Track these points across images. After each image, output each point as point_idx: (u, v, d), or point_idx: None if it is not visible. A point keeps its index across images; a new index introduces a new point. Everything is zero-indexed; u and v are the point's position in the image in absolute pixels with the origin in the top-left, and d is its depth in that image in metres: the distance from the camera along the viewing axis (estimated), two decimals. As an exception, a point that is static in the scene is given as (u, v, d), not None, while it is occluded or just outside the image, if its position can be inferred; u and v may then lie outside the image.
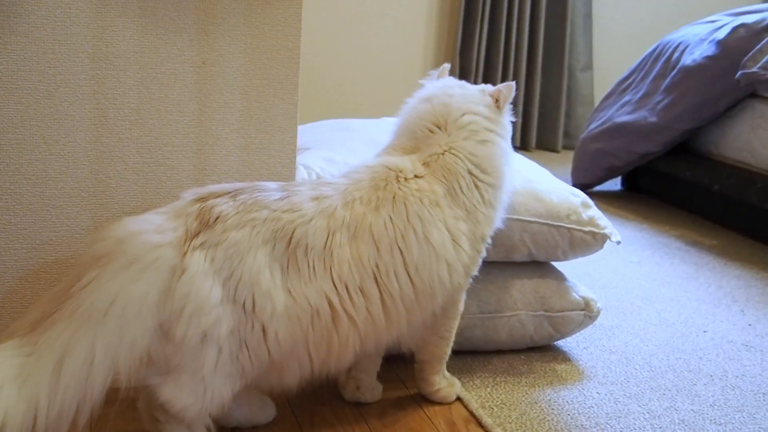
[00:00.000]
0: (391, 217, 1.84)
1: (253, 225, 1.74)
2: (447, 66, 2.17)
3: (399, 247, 1.83)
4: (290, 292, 1.73)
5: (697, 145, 4.21)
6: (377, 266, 1.81)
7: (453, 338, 2.13)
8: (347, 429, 2.00)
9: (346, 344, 1.80)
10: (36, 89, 2.00)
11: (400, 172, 1.91)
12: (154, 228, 1.72)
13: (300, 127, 2.34)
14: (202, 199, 1.78)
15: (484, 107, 2.01)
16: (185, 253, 1.69)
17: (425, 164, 1.94)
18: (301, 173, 2.23)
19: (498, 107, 2.03)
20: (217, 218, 1.74)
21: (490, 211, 1.98)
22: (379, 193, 1.87)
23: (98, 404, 1.62)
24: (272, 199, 1.79)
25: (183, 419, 1.73)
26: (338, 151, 2.40)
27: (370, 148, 2.44)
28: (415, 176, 1.91)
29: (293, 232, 1.76)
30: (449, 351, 2.14)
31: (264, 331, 1.72)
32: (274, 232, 1.75)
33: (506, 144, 2.05)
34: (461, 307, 2.12)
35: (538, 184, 2.41)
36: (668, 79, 4.23)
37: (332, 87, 5.29)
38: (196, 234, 1.72)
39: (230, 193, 1.79)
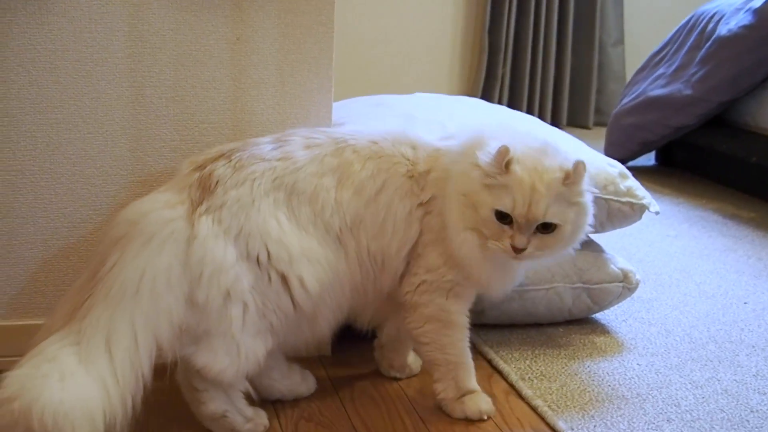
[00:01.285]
0: (375, 172, 1.85)
1: (253, 179, 1.78)
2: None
3: (372, 205, 1.84)
4: (301, 236, 1.77)
5: (733, 117, 4.16)
6: (354, 216, 1.83)
7: (447, 351, 1.92)
8: (388, 403, 2.01)
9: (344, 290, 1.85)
10: (73, 68, 2.01)
11: (408, 160, 1.90)
12: (162, 204, 1.75)
13: (334, 104, 2.34)
14: (199, 167, 1.81)
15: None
16: (194, 222, 1.73)
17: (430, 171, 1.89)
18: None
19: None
20: (217, 182, 1.77)
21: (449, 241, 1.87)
22: (374, 148, 1.88)
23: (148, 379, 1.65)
24: (266, 151, 1.83)
25: (221, 383, 1.76)
26: (373, 125, 2.39)
27: (404, 122, 2.44)
28: (420, 171, 1.89)
29: (288, 180, 1.80)
30: (454, 362, 1.93)
31: (285, 279, 1.75)
32: (272, 181, 1.79)
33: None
34: (455, 319, 1.92)
35: (574, 155, 2.39)
36: (703, 51, 4.18)
37: (363, 64, 5.28)
38: (200, 202, 1.75)
39: (225, 154, 1.83)
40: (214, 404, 1.80)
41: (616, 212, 2.39)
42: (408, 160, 1.89)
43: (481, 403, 1.95)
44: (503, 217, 1.75)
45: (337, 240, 1.81)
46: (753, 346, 2.36)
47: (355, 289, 1.86)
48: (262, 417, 1.87)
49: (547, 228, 1.76)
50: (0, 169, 2.03)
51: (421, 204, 1.87)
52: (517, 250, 1.75)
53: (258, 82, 2.12)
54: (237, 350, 1.73)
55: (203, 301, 1.70)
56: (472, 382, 1.96)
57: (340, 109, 2.60)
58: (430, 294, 1.89)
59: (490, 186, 1.75)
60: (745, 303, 2.68)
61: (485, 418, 1.93)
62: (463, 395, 1.94)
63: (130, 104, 2.05)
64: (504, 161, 1.74)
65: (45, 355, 1.59)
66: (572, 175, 1.75)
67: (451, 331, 1.91)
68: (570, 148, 2.42)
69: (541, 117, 5.32)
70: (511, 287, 1.97)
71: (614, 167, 2.43)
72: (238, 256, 1.73)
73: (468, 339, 1.94)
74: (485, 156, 1.76)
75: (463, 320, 1.93)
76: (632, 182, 2.42)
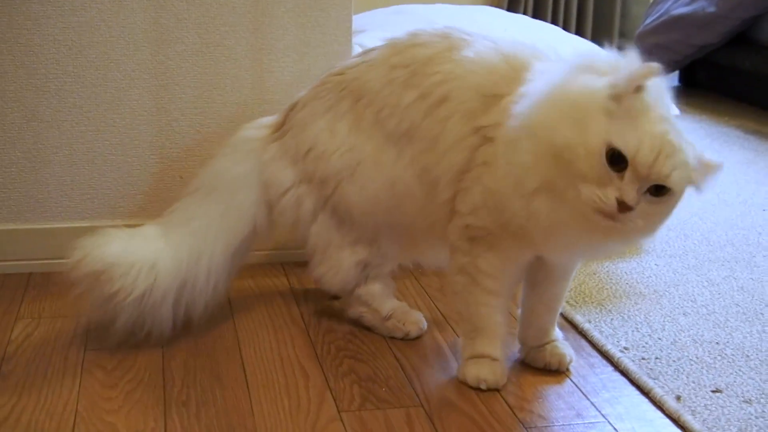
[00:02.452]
0: (445, 78, 1.67)
1: (320, 96, 1.83)
2: None
3: (431, 116, 1.69)
4: (360, 141, 1.76)
5: (756, 35, 4.12)
6: (411, 123, 1.71)
7: (471, 311, 1.69)
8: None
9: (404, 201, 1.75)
10: (95, -29, 2.04)
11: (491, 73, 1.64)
12: (255, 125, 1.93)
13: (354, 17, 2.35)
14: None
15: None
16: (266, 147, 1.88)
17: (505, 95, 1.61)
18: (358, 52, 2.25)
19: None
20: (295, 105, 1.87)
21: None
22: (460, 49, 1.69)
23: (226, 274, 1.86)
24: (346, 65, 1.85)
25: (335, 291, 1.91)
26: (394, 32, 2.39)
27: (424, 27, 2.45)
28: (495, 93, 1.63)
29: (354, 86, 1.79)
30: (474, 324, 1.70)
31: (339, 189, 1.79)
32: (339, 92, 1.80)
33: None
34: (483, 282, 1.66)
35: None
36: (726, -33, 4.15)
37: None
38: (281, 126, 1.89)
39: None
40: (350, 309, 1.91)
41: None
42: (492, 73, 1.63)
43: (481, 370, 1.68)
44: (616, 161, 1.40)
45: (395, 143, 1.72)
46: (770, 248, 2.39)
47: (416, 204, 1.73)
48: (406, 319, 1.88)
49: (659, 192, 1.43)
50: (24, 73, 2.06)
51: (479, 128, 1.62)
52: (623, 208, 1.40)
53: (278, -14, 2.13)
54: (328, 262, 1.84)
55: (279, 223, 1.88)
56: (488, 348, 1.69)
57: (361, 19, 2.61)
58: (469, 242, 1.64)
59: (611, 113, 1.41)
60: (764, 210, 2.69)
61: (483, 387, 1.67)
62: (473, 357, 1.70)
63: (152, 7, 2.07)
64: (639, 81, 1.41)
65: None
66: (712, 168, 1.49)
67: (478, 290, 1.66)
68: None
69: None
70: (579, 257, 1.72)
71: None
72: (296, 178, 1.83)
73: (502, 307, 1.69)
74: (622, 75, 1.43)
75: (495, 286, 1.66)
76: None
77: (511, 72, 1.61)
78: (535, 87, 1.52)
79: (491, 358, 1.69)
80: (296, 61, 2.17)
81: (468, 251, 1.65)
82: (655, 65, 1.41)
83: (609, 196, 1.39)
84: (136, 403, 1.60)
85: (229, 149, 1.92)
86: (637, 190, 1.40)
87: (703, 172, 1.47)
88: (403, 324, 1.87)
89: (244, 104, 2.16)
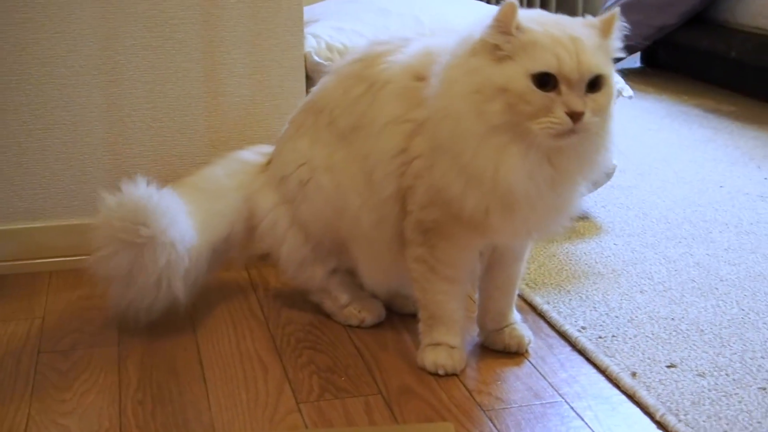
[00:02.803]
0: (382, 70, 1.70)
1: (294, 120, 1.89)
2: None
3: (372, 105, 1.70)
4: (318, 150, 1.79)
5: (713, 15, 4.16)
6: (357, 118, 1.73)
7: (428, 298, 1.70)
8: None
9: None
10: (39, -32, 2.02)
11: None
12: (256, 150, 2.00)
13: (307, 7, 2.35)
14: None
15: None
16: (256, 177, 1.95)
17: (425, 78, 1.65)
18: (310, 42, 2.24)
19: None
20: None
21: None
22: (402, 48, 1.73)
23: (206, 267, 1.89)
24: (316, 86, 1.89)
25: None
26: (346, 20, 2.40)
27: (378, 17, 2.45)
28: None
29: (315, 99, 1.83)
30: (432, 311, 1.70)
31: (299, 207, 1.83)
32: (305, 112, 1.84)
33: None
34: (441, 270, 1.67)
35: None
36: (682, -52, 4.17)
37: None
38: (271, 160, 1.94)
39: None
40: (312, 295, 1.93)
41: (590, 97, 2.39)
42: (427, 55, 1.64)
43: (439, 356, 1.69)
44: (545, 83, 1.44)
45: (345, 140, 1.74)
46: (726, 224, 2.40)
47: (360, 197, 1.73)
48: (363, 306, 1.88)
49: (595, 86, 1.46)
50: (-27, 73, 2.04)
51: (411, 119, 1.63)
52: (576, 116, 1.43)
53: (226, -23, 2.12)
54: (302, 277, 1.89)
55: (260, 246, 1.91)
56: (446, 336, 1.70)
57: (314, 9, 2.60)
58: (423, 234, 1.65)
59: (509, 56, 1.45)
60: (721, 186, 2.71)
61: (441, 373, 1.68)
62: (432, 344, 1.71)
63: (99, 4, 2.05)
64: (513, 20, 1.45)
65: None
66: (610, 24, 1.51)
67: (436, 278, 1.67)
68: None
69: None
70: (538, 230, 1.67)
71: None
72: (276, 202, 1.86)
73: (460, 294, 1.70)
74: (484, 26, 1.48)
75: (452, 273, 1.67)
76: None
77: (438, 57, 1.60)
78: (437, 68, 1.56)
79: (449, 345, 1.70)
80: (248, 52, 2.16)
81: (423, 242, 1.66)
82: (509, 4, 1.44)
83: (559, 114, 1.44)
84: (90, 404, 1.59)
85: (225, 161, 1.97)
86: (578, 96, 1.44)
87: (607, 29, 1.51)
88: (359, 311, 1.87)
89: (196, 97, 2.15)
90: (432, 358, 1.69)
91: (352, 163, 1.72)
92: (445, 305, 1.69)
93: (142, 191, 1.77)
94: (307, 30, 2.28)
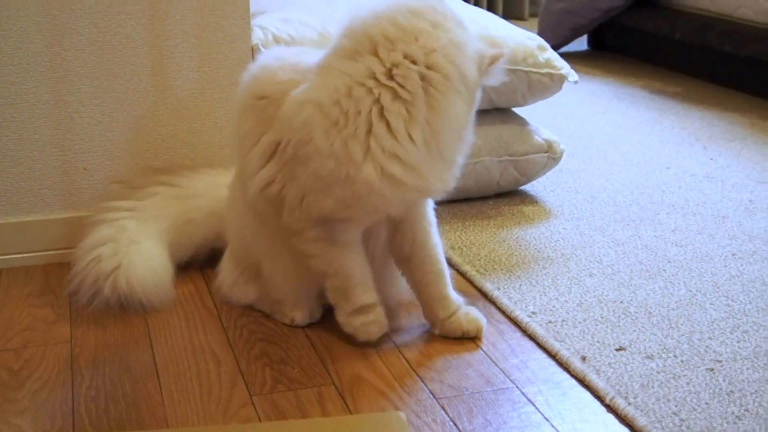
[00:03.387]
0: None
1: None
2: None
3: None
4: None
5: (658, -4, 4.22)
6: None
7: (334, 265, 1.73)
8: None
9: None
10: (-19, -36, 2.00)
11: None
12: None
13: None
14: None
15: None
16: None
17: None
18: (257, 34, 2.24)
19: None
20: None
21: None
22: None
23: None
24: None
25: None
26: (293, 10, 2.40)
27: (325, 6, 2.45)
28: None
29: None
30: (344, 275, 1.73)
31: None
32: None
33: None
34: (342, 239, 1.71)
35: (494, 30, 2.42)
36: (625, -69, 4.21)
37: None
38: None
39: None
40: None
41: (537, 83, 2.43)
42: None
43: (367, 321, 1.75)
44: None
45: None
46: (673, 205, 2.44)
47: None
48: (296, 308, 1.87)
49: None
50: None
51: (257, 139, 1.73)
52: None
53: (171, -30, 2.11)
54: (236, 296, 1.94)
55: None
56: (365, 297, 1.74)
57: (260, 0, 2.59)
58: (315, 220, 1.68)
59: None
60: (668, 168, 2.75)
61: (373, 338, 1.75)
62: (357, 310, 1.75)
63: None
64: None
65: None
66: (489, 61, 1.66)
67: (337, 247, 1.71)
68: (489, 23, 2.46)
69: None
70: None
71: (533, 40, 2.46)
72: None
73: (362, 256, 1.75)
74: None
75: (351, 238, 1.72)
76: (550, 54, 2.46)
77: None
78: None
79: (370, 305, 1.75)
80: (195, 45, 2.15)
81: (317, 224, 1.68)
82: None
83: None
84: (43, 402, 1.59)
85: (215, 171, 2.13)
86: None
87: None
88: (290, 310, 1.85)
89: (144, 92, 2.15)
90: (359, 325, 1.74)
91: (240, 189, 1.82)
92: (354, 265, 1.73)
93: None
94: (254, 22, 2.28)
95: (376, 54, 1.58)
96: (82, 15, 2.07)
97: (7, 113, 2.08)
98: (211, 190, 2.07)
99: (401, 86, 1.57)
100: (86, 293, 1.92)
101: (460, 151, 1.66)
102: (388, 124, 1.57)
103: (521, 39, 2.45)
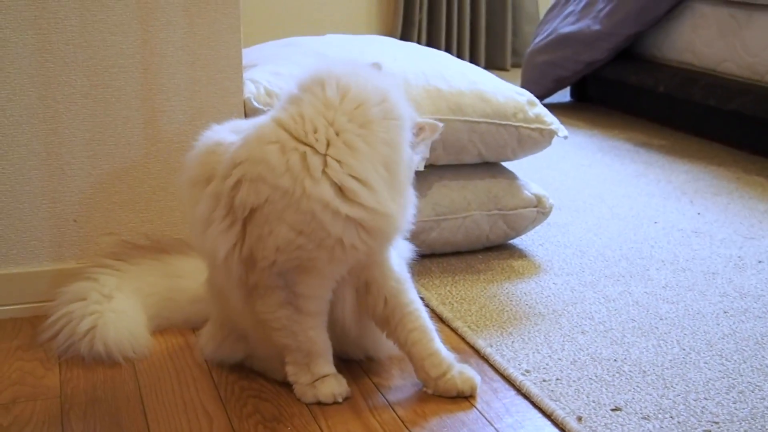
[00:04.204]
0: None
1: None
2: None
3: None
4: None
5: (640, 50, 4.27)
6: None
7: (299, 339, 1.74)
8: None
9: None
10: (-25, 16, 2.00)
11: None
12: None
13: (245, 50, 2.35)
14: None
15: None
16: None
17: None
18: (249, 87, 2.25)
19: None
20: None
21: None
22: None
23: None
24: None
25: None
26: (284, 65, 2.41)
27: (314, 61, 2.46)
28: None
29: None
30: (307, 349, 1.75)
31: None
32: None
33: None
34: (305, 306, 1.73)
35: (483, 85, 2.44)
36: (609, -14, 4.27)
37: (270, 7, 5.24)
38: None
39: None
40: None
41: (527, 138, 2.44)
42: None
43: (334, 386, 1.76)
44: None
45: None
46: (662, 261, 2.45)
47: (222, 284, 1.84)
48: (265, 367, 1.88)
49: None
50: None
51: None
52: None
53: (166, 24, 2.12)
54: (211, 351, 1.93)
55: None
56: (326, 367, 1.77)
57: (252, 53, 2.61)
58: (280, 276, 1.69)
59: None
60: (656, 222, 2.77)
61: (340, 400, 1.76)
62: (316, 380, 1.76)
63: (37, 51, 2.04)
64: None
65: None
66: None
67: (302, 317, 1.72)
68: (479, 77, 2.48)
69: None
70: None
71: (522, 95, 2.48)
72: None
73: (324, 325, 1.76)
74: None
75: (316, 306, 1.73)
76: (540, 109, 2.48)
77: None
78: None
79: (330, 375, 1.77)
80: (188, 99, 2.16)
81: (284, 285, 1.69)
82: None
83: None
84: (34, 460, 1.57)
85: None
86: None
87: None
88: (282, 367, 1.81)
89: (136, 145, 2.14)
90: (328, 390, 1.76)
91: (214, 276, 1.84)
92: (317, 339, 1.75)
93: None
94: (246, 75, 2.29)
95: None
96: (75, 68, 2.07)
97: (-2, 165, 2.07)
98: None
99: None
100: (61, 346, 1.92)
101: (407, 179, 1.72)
102: (345, 142, 1.63)
103: (510, 94, 2.47)
